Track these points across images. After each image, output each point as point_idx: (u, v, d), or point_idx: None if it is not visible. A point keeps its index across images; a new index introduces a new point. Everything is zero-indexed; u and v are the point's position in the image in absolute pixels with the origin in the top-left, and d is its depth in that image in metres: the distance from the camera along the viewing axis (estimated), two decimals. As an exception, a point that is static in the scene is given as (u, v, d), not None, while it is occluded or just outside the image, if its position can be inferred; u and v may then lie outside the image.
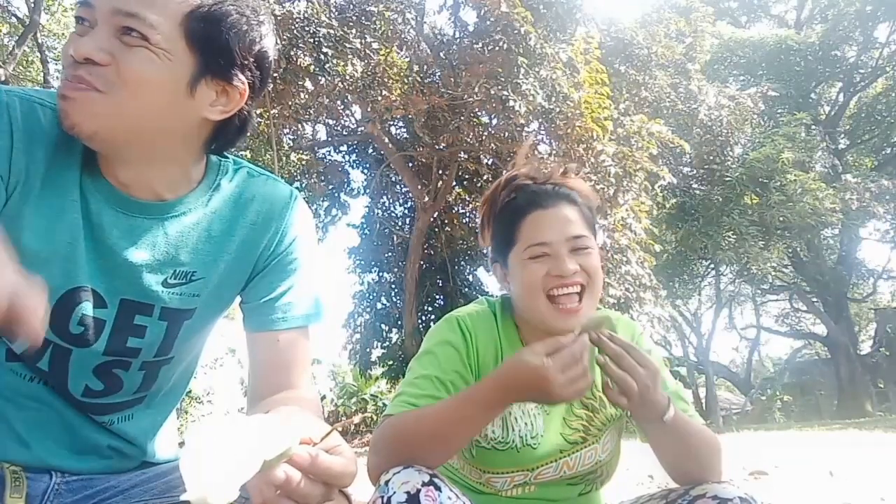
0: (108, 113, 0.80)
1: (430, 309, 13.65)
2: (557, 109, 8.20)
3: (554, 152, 8.75)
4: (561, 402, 0.99)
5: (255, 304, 0.97)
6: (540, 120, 8.83)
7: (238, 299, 1.02)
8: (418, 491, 0.91)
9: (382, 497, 0.92)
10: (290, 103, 9.30)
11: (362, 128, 11.58)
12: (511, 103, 8.04)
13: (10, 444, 0.88)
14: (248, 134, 0.97)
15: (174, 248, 0.90)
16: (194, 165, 0.92)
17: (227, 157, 1.00)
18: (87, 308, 0.87)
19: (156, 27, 0.79)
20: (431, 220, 11.99)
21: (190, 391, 15.41)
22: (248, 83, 0.87)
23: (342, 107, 10.73)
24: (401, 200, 14.18)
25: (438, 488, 0.93)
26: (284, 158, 11.59)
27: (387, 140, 11.33)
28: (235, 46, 0.84)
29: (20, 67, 13.59)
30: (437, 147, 10.91)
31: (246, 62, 0.86)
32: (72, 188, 0.85)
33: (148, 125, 0.83)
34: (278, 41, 0.98)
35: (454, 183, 12.24)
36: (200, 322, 0.98)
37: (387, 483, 0.93)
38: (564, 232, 1.11)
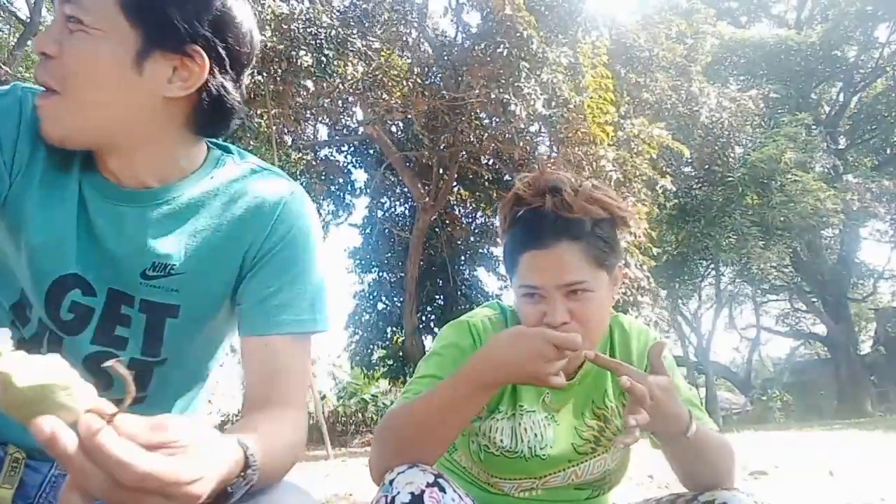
0: (68, 113, 0.79)
1: (430, 309, 13.66)
2: (559, 114, 8.17)
3: (554, 155, 8.73)
4: (543, 379, 0.94)
5: (246, 307, 0.91)
6: (540, 123, 8.82)
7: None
8: (422, 492, 0.91)
9: (386, 497, 0.92)
10: (290, 104, 9.30)
11: (363, 128, 11.58)
12: (512, 107, 8.04)
13: (16, 426, 0.88)
14: (238, 116, 0.90)
15: (154, 239, 0.87)
16: (184, 153, 0.89)
17: (231, 151, 0.97)
18: (76, 295, 0.86)
19: (88, 8, 0.77)
20: (432, 220, 11.99)
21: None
22: (210, 54, 0.80)
23: (343, 108, 10.74)
24: (401, 200, 14.19)
25: (443, 489, 0.93)
26: (285, 158, 11.59)
27: (388, 140, 11.33)
28: (177, 14, 0.78)
29: (20, 68, 13.59)
30: (437, 148, 10.90)
31: (198, 30, 0.79)
32: (70, 178, 0.86)
33: (105, 114, 0.81)
34: (255, 5, 0.95)
35: (455, 183, 12.24)
36: (189, 322, 0.92)
37: (391, 483, 0.93)
38: (557, 278, 1.03)
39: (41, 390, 0.46)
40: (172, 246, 0.87)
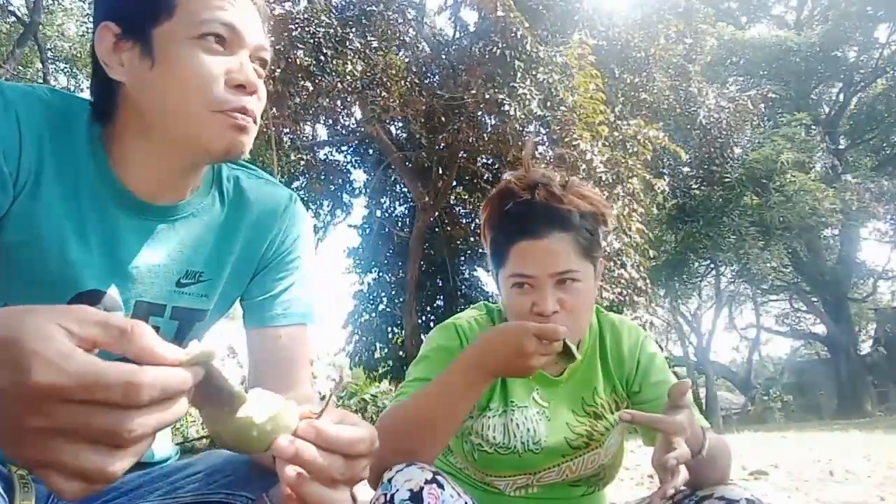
0: (253, 137, 0.88)
1: (430, 309, 13.65)
2: (551, 115, 8.16)
3: (550, 155, 8.70)
4: (530, 369, 0.98)
5: (256, 301, 0.99)
6: (537, 123, 8.80)
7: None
8: (421, 489, 0.91)
9: (385, 494, 0.92)
10: (289, 103, 9.30)
11: (362, 128, 11.58)
12: (506, 107, 8.03)
13: None
14: None
15: (186, 249, 0.92)
16: (199, 169, 0.94)
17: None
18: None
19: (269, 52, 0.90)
20: (431, 220, 11.98)
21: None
22: None
23: (342, 107, 10.74)
24: (400, 201, 14.19)
25: (441, 486, 0.94)
26: (284, 158, 11.59)
27: (387, 140, 11.33)
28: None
29: (20, 67, 13.59)
30: (436, 147, 10.90)
31: None
32: (82, 190, 0.84)
33: None
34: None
35: (454, 183, 12.23)
36: (208, 323, 0.99)
37: (390, 481, 0.94)
38: (549, 267, 1.06)
39: (272, 420, 0.56)
40: (202, 255, 0.93)
